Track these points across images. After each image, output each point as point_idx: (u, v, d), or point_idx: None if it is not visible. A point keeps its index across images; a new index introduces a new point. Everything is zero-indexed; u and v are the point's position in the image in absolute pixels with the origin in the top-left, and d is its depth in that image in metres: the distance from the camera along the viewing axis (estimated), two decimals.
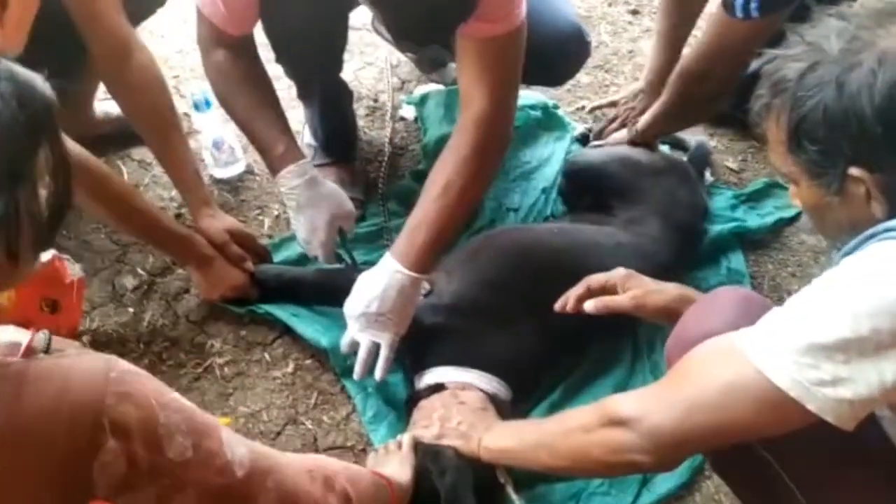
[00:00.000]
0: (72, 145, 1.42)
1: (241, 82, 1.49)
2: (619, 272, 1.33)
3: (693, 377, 0.94)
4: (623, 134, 1.81)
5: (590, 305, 1.31)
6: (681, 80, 1.61)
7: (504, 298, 1.47)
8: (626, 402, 0.99)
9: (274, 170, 1.50)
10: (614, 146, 1.80)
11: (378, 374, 1.38)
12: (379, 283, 1.34)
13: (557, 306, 1.36)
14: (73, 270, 1.44)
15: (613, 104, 1.93)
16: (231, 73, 1.49)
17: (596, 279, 1.34)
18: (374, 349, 1.38)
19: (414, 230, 1.36)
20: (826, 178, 0.91)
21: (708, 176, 1.90)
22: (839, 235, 0.97)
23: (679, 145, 1.93)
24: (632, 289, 1.29)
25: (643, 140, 1.73)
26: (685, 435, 0.93)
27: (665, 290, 1.28)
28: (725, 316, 1.03)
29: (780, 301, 1.68)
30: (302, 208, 1.49)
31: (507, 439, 1.22)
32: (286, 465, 0.88)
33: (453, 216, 1.36)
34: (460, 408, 1.33)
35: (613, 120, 1.90)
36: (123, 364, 0.76)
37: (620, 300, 1.29)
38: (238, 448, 0.83)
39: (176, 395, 0.80)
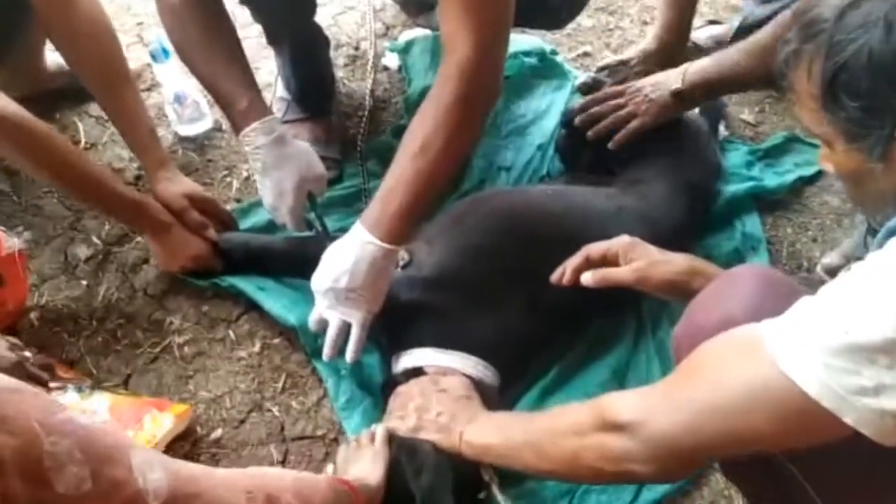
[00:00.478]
0: (5, 102, 1.27)
1: (199, 28, 1.32)
2: (622, 241, 1.18)
3: (705, 376, 0.79)
4: None
5: (588, 278, 1.16)
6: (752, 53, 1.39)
7: (491, 270, 1.31)
8: (626, 404, 0.85)
9: (237, 127, 1.34)
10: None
11: (349, 355, 1.24)
12: (348, 255, 1.19)
13: (553, 278, 1.21)
14: (10, 243, 1.30)
15: (624, 63, 1.75)
16: (187, 18, 1.32)
17: (596, 248, 1.19)
18: (345, 328, 1.23)
19: (388, 195, 1.19)
20: (868, 140, 0.74)
21: (722, 130, 1.72)
22: (881, 208, 0.81)
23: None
24: (635, 259, 1.15)
25: (682, 105, 1.49)
26: (693, 444, 0.79)
27: (672, 262, 1.13)
28: (744, 300, 0.87)
29: (799, 269, 1.57)
30: (268, 170, 1.34)
31: (490, 435, 1.08)
32: (216, 488, 0.74)
33: (433, 178, 1.19)
34: (440, 396, 1.18)
35: (621, 82, 1.72)
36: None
37: (622, 272, 1.15)
38: (153, 473, 0.69)
39: (70, 413, 0.65)
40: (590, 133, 1.51)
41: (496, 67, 1.24)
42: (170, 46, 1.51)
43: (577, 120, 1.53)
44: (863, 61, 0.70)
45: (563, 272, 1.20)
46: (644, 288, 1.13)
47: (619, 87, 1.52)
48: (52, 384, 1.18)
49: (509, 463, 1.05)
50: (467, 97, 1.18)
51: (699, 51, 1.86)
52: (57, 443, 0.61)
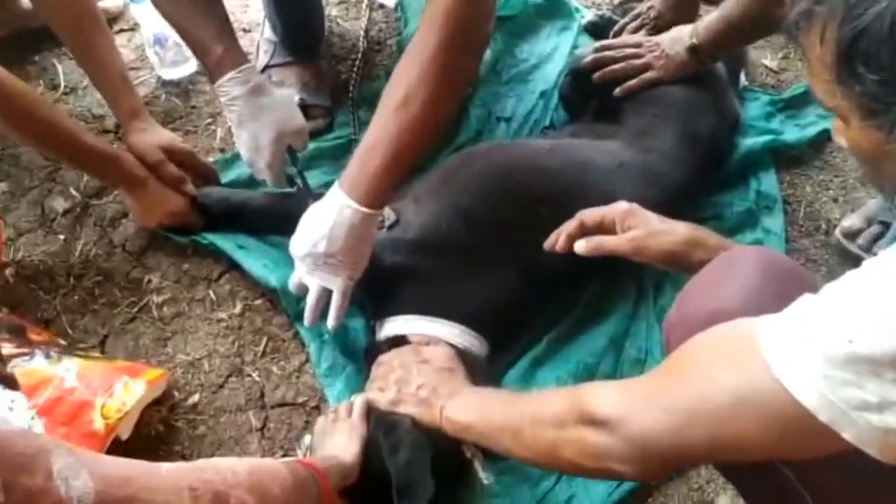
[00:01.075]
0: None
1: None
2: (620, 207, 1.09)
3: (694, 375, 0.71)
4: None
5: (581, 246, 1.08)
6: None
7: (481, 232, 1.23)
8: (608, 398, 0.78)
9: (212, 77, 1.25)
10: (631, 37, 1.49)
11: (330, 322, 1.17)
12: (326, 219, 1.11)
13: (547, 245, 1.13)
14: None
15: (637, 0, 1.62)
16: None
17: (591, 214, 1.10)
18: (325, 294, 1.17)
19: (367, 154, 1.09)
20: (888, 116, 0.64)
21: (742, 78, 1.59)
22: None
23: None
24: (633, 227, 1.06)
25: (699, 61, 1.37)
26: (678, 447, 0.72)
27: (672, 231, 1.04)
28: (741, 289, 0.79)
29: (817, 232, 1.47)
30: (244, 123, 1.25)
31: (471, 413, 1.02)
32: (155, 489, 0.69)
33: (416, 135, 1.09)
34: (422, 368, 1.12)
35: (635, 18, 1.59)
36: None
37: (617, 242, 1.06)
38: (77, 479, 0.63)
39: None
40: (597, 74, 1.41)
41: (486, 9, 1.13)
42: None
43: (586, 59, 1.42)
44: (884, 28, 0.59)
45: (556, 238, 1.12)
46: (641, 258, 1.05)
47: (637, 38, 1.41)
48: (18, 350, 1.14)
49: (489, 444, 0.99)
50: (453, 43, 1.07)
51: None
52: None
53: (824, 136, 1.55)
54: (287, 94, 1.30)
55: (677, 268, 1.05)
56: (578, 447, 0.80)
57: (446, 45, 1.06)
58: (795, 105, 1.60)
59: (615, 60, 1.39)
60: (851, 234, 1.40)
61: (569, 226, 1.12)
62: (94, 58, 1.34)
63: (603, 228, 1.10)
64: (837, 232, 1.42)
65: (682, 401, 0.71)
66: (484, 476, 1.07)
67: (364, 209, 1.09)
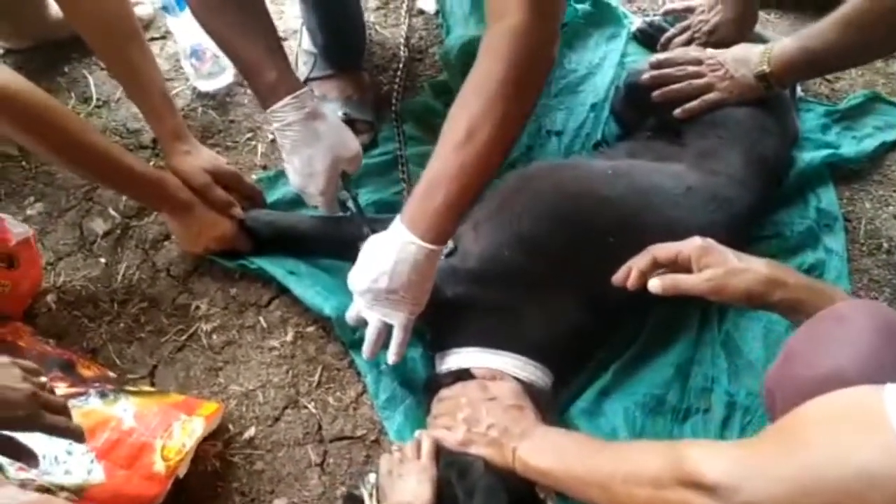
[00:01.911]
0: (9, 77, 1.12)
1: None
2: (694, 244, 1.04)
3: (814, 444, 0.68)
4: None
5: (655, 285, 1.04)
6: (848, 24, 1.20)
7: (544, 261, 1.19)
8: (716, 462, 0.74)
9: (264, 101, 1.19)
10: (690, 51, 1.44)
11: (391, 358, 1.14)
12: (388, 255, 1.06)
13: (617, 279, 1.09)
14: (19, 230, 1.19)
15: (690, 10, 1.56)
16: None
17: (665, 251, 1.06)
18: (385, 329, 1.13)
19: (430, 189, 1.05)
20: None
21: (798, 90, 1.55)
22: None
23: None
24: (709, 266, 1.02)
25: (768, 88, 1.32)
26: None
27: (750, 270, 1.00)
28: (857, 353, 0.75)
29: (879, 251, 1.43)
30: (298, 149, 1.20)
31: (548, 458, 0.98)
32: None
33: (480, 170, 1.04)
34: (490, 406, 1.09)
35: (685, 30, 1.54)
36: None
37: (695, 282, 1.02)
38: None
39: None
40: (657, 93, 1.36)
41: (553, 36, 1.07)
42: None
43: (645, 76, 1.36)
44: None
45: (626, 273, 1.08)
46: (718, 299, 1.02)
47: (697, 54, 1.35)
48: (73, 389, 1.10)
49: (569, 493, 0.96)
50: (520, 75, 1.02)
51: None
52: None
53: (882, 150, 1.51)
54: (339, 121, 1.25)
55: (755, 307, 1.01)
56: None
57: (512, 77, 1.01)
58: (852, 116, 1.56)
59: (675, 79, 1.34)
60: None
61: (640, 262, 1.07)
62: (134, 75, 1.29)
63: (676, 265, 1.06)
64: None
65: (801, 470, 0.67)
66: None
67: (428, 245, 1.05)
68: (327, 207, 1.27)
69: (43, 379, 0.91)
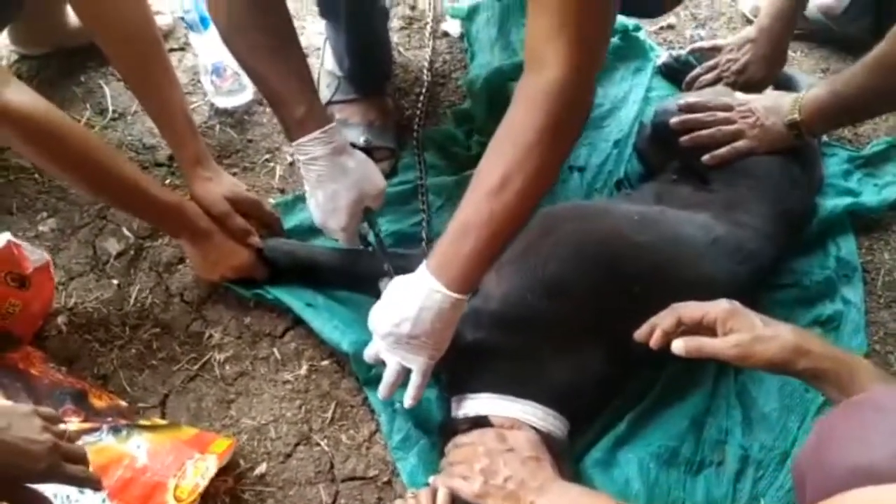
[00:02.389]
0: (31, 100, 1.10)
1: (251, 13, 1.13)
2: (721, 307, 1.03)
3: None
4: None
5: (679, 346, 1.03)
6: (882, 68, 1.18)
7: (568, 307, 1.18)
8: None
9: (290, 133, 1.17)
10: (718, 94, 1.42)
11: (407, 401, 1.12)
12: (413, 301, 1.05)
13: (640, 335, 1.08)
14: (34, 257, 1.17)
15: (717, 49, 1.55)
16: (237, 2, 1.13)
17: (690, 312, 1.05)
18: (404, 372, 1.12)
19: (459, 236, 1.03)
20: None
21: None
22: None
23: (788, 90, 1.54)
24: (735, 330, 1.01)
25: (799, 137, 1.30)
26: None
27: (776, 338, 0.99)
28: (891, 446, 0.74)
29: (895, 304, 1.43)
30: (323, 183, 1.19)
31: None
32: None
33: (511, 221, 1.02)
34: (508, 457, 1.08)
35: (711, 69, 1.52)
36: None
37: (721, 347, 1.01)
38: None
39: None
40: (685, 138, 1.34)
41: (591, 86, 1.06)
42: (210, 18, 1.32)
43: (675, 120, 1.35)
44: None
45: (649, 331, 1.07)
46: (743, 365, 1.01)
47: (727, 100, 1.33)
48: (86, 425, 1.09)
49: None
50: (557, 127, 1.00)
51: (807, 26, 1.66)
52: None
53: None
54: (363, 156, 1.23)
55: (779, 373, 1.00)
56: None
57: (548, 130, 0.99)
58: (875, 163, 1.55)
59: (704, 124, 1.32)
60: None
61: (665, 322, 1.06)
62: (158, 95, 1.27)
63: (701, 327, 1.05)
64: None
65: None
66: None
67: (454, 294, 1.04)
68: (348, 242, 1.25)
69: (62, 427, 0.90)
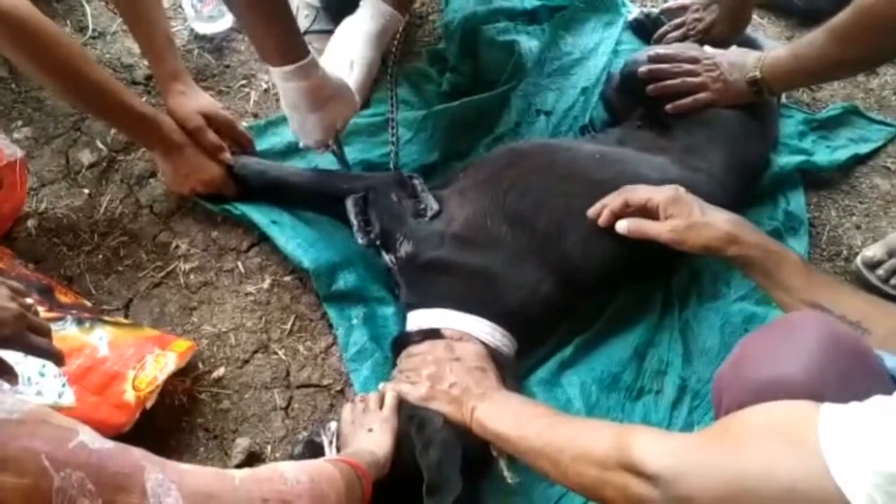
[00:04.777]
0: None
1: None
2: (665, 193, 1.13)
3: (749, 452, 0.70)
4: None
5: (622, 226, 1.15)
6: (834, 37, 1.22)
7: (524, 234, 1.23)
8: (656, 454, 0.77)
9: (266, 58, 1.18)
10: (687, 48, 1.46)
11: None
12: None
13: (591, 214, 1.20)
14: (8, 152, 1.20)
15: (685, 7, 1.60)
16: None
17: (637, 196, 1.15)
18: None
19: None
20: None
21: (782, 96, 1.60)
22: None
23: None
24: (675, 216, 1.11)
25: (758, 94, 1.34)
26: None
27: (711, 225, 1.09)
28: (803, 363, 0.80)
29: (837, 257, 1.49)
30: (298, 108, 1.21)
31: (504, 422, 1.02)
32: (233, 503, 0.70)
33: None
34: (454, 366, 1.13)
35: (678, 27, 1.57)
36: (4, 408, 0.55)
37: (658, 230, 1.12)
38: (168, 497, 0.63)
39: (84, 436, 0.59)
40: (651, 87, 1.39)
41: None
42: None
43: (643, 69, 1.40)
44: None
45: (599, 210, 1.18)
46: (677, 247, 1.11)
47: (694, 53, 1.39)
48: (51, 314, 1.12)
49: (521, 458, 1.00)
50: None
51: None
52: (68, 476, 0.56)
53: (854, 161, 1.57)
54: (342, 80, 1.26)
55: (712, 258, 1.13)
56: (622, 493, 0.80)
57: None
58: (829, 126, 1.61)
59: (671, 75, 1.37)
60: (872, 265, 1.43)
61: (613, 203, 1.17)
62: (140, 12, 1.29)
63: (646, 211, 1.14)
64: (858, 260, 1.45)
65: (733, 476, 0.70)
66: (509, 476, 1.09)
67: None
68: (317, 149, 1.30)
69: (29, 301, 0.93)
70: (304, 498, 0.76)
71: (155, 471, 0.62)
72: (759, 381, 0.77)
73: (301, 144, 1.32)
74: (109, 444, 0.60)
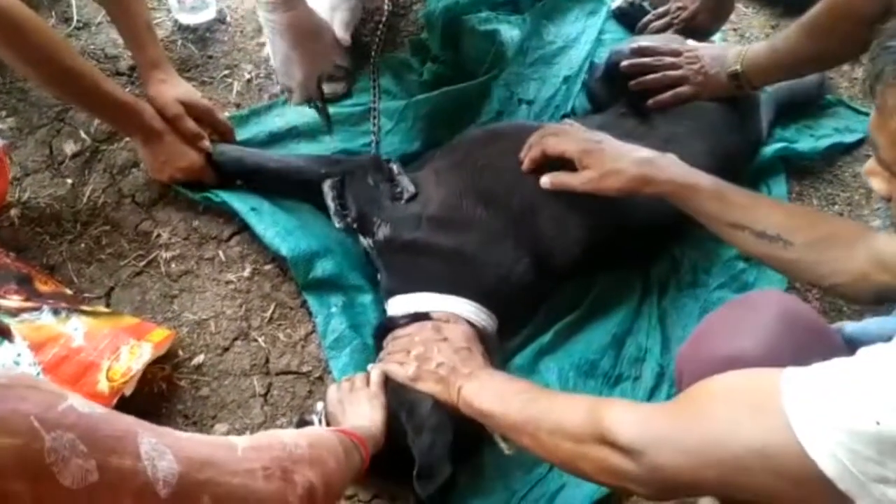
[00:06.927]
0: None
1: None
2: (577, 145, 1.18)
3: (714, 419, 0.72)
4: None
5: (545, 181, 1.21)
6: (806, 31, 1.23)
7: (502, 214, 1.24)
8: (627, 426, 0.78)
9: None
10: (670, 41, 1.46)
11: None
12: None
13: (521, 155, 1.25)
14: None
15: None
16: None
17: (552, 148, 1.20)
18: None
19: None
20: None
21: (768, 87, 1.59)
22: None
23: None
24: (590, 167, 1.16)
25: (738, 88, 1.35)
26: (693, 482, 0.75)
27: (622, 171, 1.14)
28: (762, 340, 0.81)
29: None
30: (283, 39, 1.22)
31: (489, 400, 1.02)
32: (232, 471, 0.70)
33: None
34: (442, 346, 1.13)
35: (662, 16, 1.57)
36: None
37: (574, 182, 1.17)
38: (162, 461, 0.63)
39: (73, 401, 0.60)
40: (633, 82, 1.39)
41: None
42: None
43: (625, 63, 1.40)
44: None
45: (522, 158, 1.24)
46: (599, 194, 1.16)
47: (676, 46, 1.39)
48: (27, 304, 1.13)
49: (505, 434, 1.01)
50: None
51: None
52: (59, 437, 0.56)
53: (837, 150, 1.57)
54: (326, 22, 1.28)
55: (633, 197, 1.15)
56: (598, 465, 0.81)
57: None
58: (813, 116, 1.61)
59: (653, 69, 1.37)
60: None
61: (532, 152, 1.23)
62: (121, 1, 1.30)
63: (564, 161, 1.18)
64: None
65: (701, 444, 0.72)
66: (505, 446, 1.07)
67: None
68: (298, 101, 1.31)
69: None
70: (303, 463, 0.77)
71: (148, 435, 0.63)
72: (718, 356, 0.78)
73: (286, 97, 1.34)
74: (101, 409, 0.60)
